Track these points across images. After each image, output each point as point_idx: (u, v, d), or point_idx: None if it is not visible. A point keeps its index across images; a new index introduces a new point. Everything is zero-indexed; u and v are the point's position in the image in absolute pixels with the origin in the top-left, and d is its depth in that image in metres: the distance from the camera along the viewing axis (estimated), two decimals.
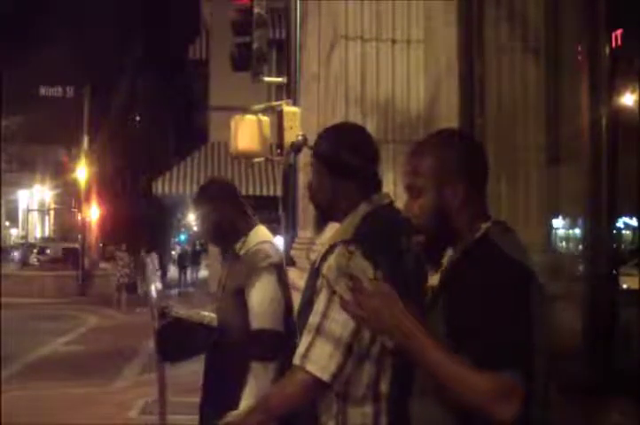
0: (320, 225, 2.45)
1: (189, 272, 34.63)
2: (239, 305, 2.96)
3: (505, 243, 1.79)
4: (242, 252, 3.08)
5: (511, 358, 1.64)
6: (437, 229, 1.85)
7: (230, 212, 3.14)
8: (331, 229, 2.38)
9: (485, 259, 1.75)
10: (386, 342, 1.89)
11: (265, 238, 3.14)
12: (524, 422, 1.66)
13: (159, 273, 3.41)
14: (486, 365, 1.62)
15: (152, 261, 3.42)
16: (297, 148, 2.74)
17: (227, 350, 3.00)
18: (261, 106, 8.40)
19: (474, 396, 1.62)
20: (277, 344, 2.83)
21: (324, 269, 2.09)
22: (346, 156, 2.27)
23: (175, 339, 3.06)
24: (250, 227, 3.15)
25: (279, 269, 3.03)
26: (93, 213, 30.31)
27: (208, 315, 3.22)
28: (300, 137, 2.98)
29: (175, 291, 25.78)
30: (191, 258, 35.15)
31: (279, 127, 7.32)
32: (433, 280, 1.88)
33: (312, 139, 2.52)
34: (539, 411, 1.72)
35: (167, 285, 24.93)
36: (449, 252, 1.88)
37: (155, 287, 3.24)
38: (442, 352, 1.66)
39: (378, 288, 1.76)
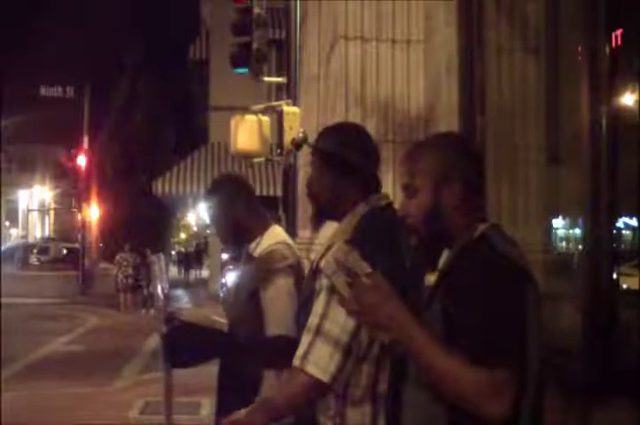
0: (316, 223, 2.40)
1: (194, 271, 34.70)
2: (253, 310, 2.80)
3: (502, 243, 1.80)
4: (256, 253, 2.90)
5: (504, 356, 1.66)
6: (432, 229, 1.87)
7: (245, 211, 2.97)
8: (329, 228, 2.38)
9: (482, 259, 1.76)
10: (382, 337, 1.90)
11: (281, 239, 2.94)
12: (515, 421, 1.67)
13: (165, 274, 3.24)
14: (479, 362, 1.64)
15: (159, 262, 3.25)
16: (297, 144, 2.72)
17: (240, 357, 2.85)
18: (261, 106, 8.41)
19: (466, 391, 1.64)
20: (293, 353, 2.68)
21: (322, 265, 2.09)
22: (348, 154, 2.27)
23: (184, 344, 2.85)
24: (265, 226, 2.98)
25: (296, 271, 2.85)
26: (93, 213, 30.32)
27: (218, 320, 3.09)
28: (300, 134, 2.95)
29: (178, 292, 25.79)
30: (194, 258, 35.22)
31: (279, 127, 7.33)
32: (430, 280, 1.89)
33: (312, 139, 2.52)
34: (530, 410, 1.73)
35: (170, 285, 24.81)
36: (445, 253, 1.89)
37: (162, 288, 3.09)
38: (437, 347, 1.68)
39: (374, 283, 1.78)
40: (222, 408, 2.90)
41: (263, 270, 2.81)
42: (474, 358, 1.64)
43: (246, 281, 2.93)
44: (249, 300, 2.83)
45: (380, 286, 1.78)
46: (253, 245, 2.93)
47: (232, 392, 2.87)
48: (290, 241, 3.01)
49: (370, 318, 1.79)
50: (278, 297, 2.75)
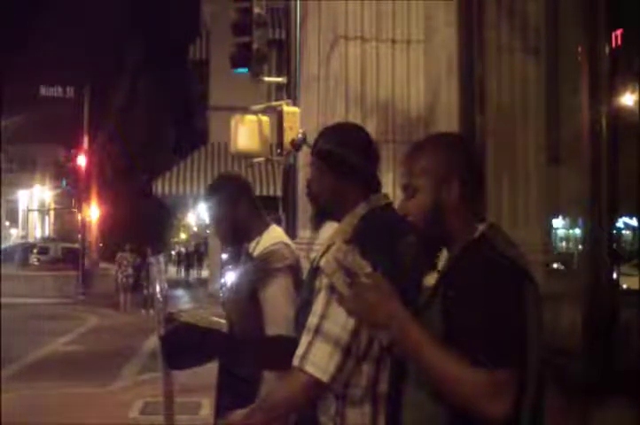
0: (316, 223, 2.40)
1: (194, 271, 34.74)
2: (253, 310, 2.80)
3: (502, 244, 1.80)
4: (256, 253, 2.91)
5: (505, 357, 1.66)
6: (432, 229, 1.87)
7: (245, 211, 2.98)
8: (329, 229, 2.38)
9: (482, 260, 1.76)
10: (381, 337, 1.90)
11: (280, 239, 2.95)
12: (515, 421, 1.67)
13: (165, 275, 3.23)
14: (479, 363, 1.64)
15: (158, 263, 3.24)
16: (297, 146, 2.73)
17: (240, 358, 2.84)
18: (261, 106, 8.41)
19: (466, 391, 1.64)
20: (293, 353, 2.67)
21: (322, 263, 2.09)
22: (347, 154, 2.27)
23: (183, 346, 2.83)
24: (264, 226, 2.99)
25: (295, 271, 2.86)
26: (93, 213, 30.31)
27: (217, 321, 3.08)
28: (299, 135, 2.96)
29: (178, 292, 25.80)
30: (194, 258, 35.28)
31: (279, 127, 7.32)
32: (429, 280, 1.89)
33: (312, 139, 2.52)
34: (530, 410, 1.73)
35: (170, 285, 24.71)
36: (444, 253, 1.89)
37: (161, 289, 3.08)
38: (437, 347, 1.69)
39: (374, 282, 1.78)
40: (222, 409, 2.90)
41: (263, 270, 2.82)
42: (474, 358, 1.64)
43: (246, 280, 2.92)
44: (248, 300, 2.83)
45: (380, 285, 1.78)
46: (252, 245, 2.94)
47: (231, 393, 2.87)
48: (289, 241, 3.01)
49: (370, 317, 1.80)
50: (277, 297, 2.76)
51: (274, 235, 2.97)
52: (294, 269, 2.85)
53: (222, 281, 18.14)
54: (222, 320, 3.03)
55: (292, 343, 2.52)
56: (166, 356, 2.85)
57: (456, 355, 1.66)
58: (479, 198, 1.92)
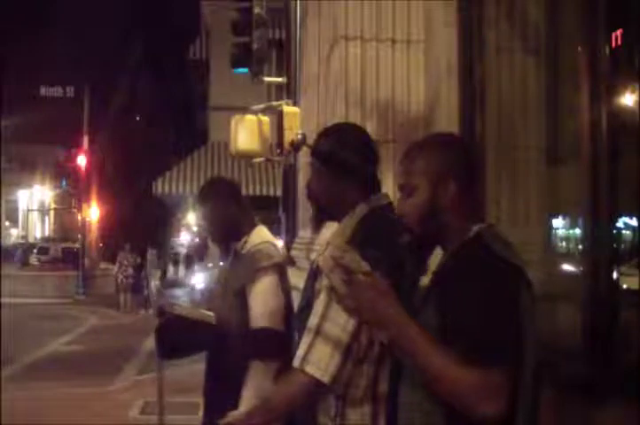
0: (316, 224, 2.47)
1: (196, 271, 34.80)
2: (240, 305, 2.96)
3: (497, 244, 1.80)
4: (244, 252, 3.08)
5: (500, 356, 1.67)
6: (428, 229, 1.87)
7: (233, 211, 3.15)
8: (329, 229, 2.39)
9: (477, 260, 1.77)
10: (381, 336, 1.91)
11: (267, 238, 3.14)
12: (510, 421, 1.67)
13: (158, 271, 3.44)
14: (474, 363, 1.64)
15: (152, 258, 3.45)
16: (296, 146, 2.74)
17: (227, 349, 2.98)
18: (261, 106, 8.40)
19: (462, 390, 1.65)
20: (277, 344, 2.84)
21: (321, 261, 2.10)
22: (345, 155, 2.27)
23: (174, 337, 3.06)
24: (252, 226, 3.16)
25: (281, 269, 3.04)
26: (93, 213, 30.31)
27: (207, 314, 3.20)
28: (299, 136, 2.96)
29: (179, 291, 25.79)
30: (195, 258, 35.37)
31: (279, 127, 7.31)
32: (424, 280, 1.90)
33: (312, 139, 2.52)
34: (525, 410, 1.73)
35: (169, 284, 24.77)
36: (438, 252, 1.90)
37: (154, 284, 3.27)
38: (433, 346, 1.69)
39: (371, 280, 1.79)
40: (209, 406, 3.04)
41: (250, 267, 2.98)
42: (470, 358, 1.65)
43: (234, 277, 3.08)
44: (237, 296, 2.99)
45: (377, 284, 1.79)
46: (240, 244, 3.11)
47: (219, 383, 3.01)
48: (275, 241, 3.23)
49: (367, 315, 1.81)
50: (264, 293, 2.94)
51: (261, 234, 3.15)
52: (280, 267, 3.04)
53: (192, 282, 18.19)
54: (212, 314, 3.15)
55: (276, 335, 2.81)
56: (158, 346, 3.10)
57: (452, 354, 1.66)
58: (475, 198, 1.92)
